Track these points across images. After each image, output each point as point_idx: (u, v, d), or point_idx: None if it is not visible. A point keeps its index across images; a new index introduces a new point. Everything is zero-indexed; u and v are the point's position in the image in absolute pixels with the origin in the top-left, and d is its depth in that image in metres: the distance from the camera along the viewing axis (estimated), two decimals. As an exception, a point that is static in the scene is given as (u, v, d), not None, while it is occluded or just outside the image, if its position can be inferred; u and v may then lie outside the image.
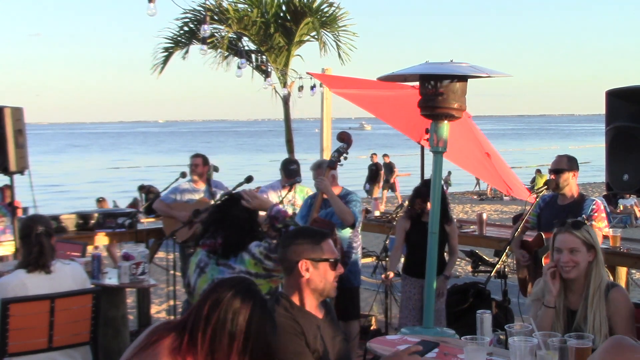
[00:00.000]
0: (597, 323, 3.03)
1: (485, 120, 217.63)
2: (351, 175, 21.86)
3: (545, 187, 4.90)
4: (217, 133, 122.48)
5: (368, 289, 8.20)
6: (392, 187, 21.97)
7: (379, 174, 21.24)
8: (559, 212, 4.80)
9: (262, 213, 3.58)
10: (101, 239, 6.85)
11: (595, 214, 4.78)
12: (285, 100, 9.97)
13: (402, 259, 5.71)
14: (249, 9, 9.58)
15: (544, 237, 4.69)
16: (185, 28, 9.68)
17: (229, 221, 3.46)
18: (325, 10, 9.41)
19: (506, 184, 6.61)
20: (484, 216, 6.55)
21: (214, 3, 9.27)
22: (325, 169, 5.17)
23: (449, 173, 25.20)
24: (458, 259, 6.96)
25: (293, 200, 6.08)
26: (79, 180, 34.80)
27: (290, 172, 6.24)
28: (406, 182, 23.79)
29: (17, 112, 5.46)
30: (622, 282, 5.37)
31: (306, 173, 6.09)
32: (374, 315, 6.59)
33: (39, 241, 3.96)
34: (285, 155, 8.82)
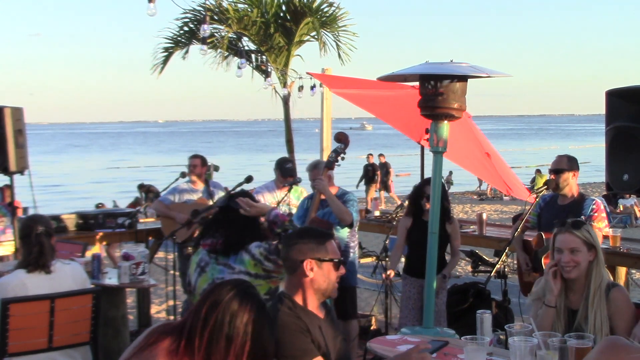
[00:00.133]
0: (598, 323, 3.03)
1: (485, 120, 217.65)
2: (349, 176, 21.85)
3: (545, 187, 4.91)
4: (217, 133, 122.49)
5: (368, 289, 8.20)
6: (387, 188, 21.65)
7: (376, 174, 21.06)
8: (559, 212, 4.80)
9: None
10: (101, 239, 6.85)
11: (595, 214, 4.78)
12: (285, 100, 9.98)
13: (403, 259, 5.71)
14: (249, 9, 9.58)
15: (544, 237, 4.69)
16: (185, 28, 9.68)
17: (230, 219, 3.48)
18: (325, 10, 9.42)
19: (506, 184, 6.60)
20: (484, 216, 6.55)
21: (214, 3, 9.27)
22: (321, 170, 5.17)
23: (451, 173, 25.21)
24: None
25: (288, 200, 6.09)
26: (79, 180, 34.80)
27: (286, 171, 6.24)
28: (406, 182, 23.81)
29: (17, 112, 5.46)
30: (622, 282, 5.37)
31: (301, 174, 6.09)
32: (374, 315, 6.59)
33: (39, 241, 3.96)
34: (286, 156, 8.82)
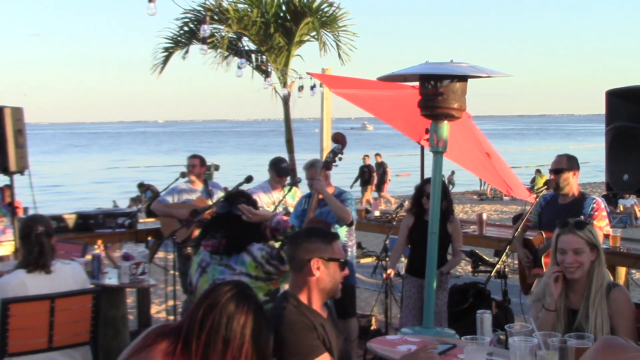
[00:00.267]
0: (599, 322, 3.03)
1: (485, 120, 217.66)
2: (347, 176, 21.78)
3: (545, 187, 4.91)
4: (218, 133, 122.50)
5: (368, 289, 8.20)
6: (381, 188, 21.21)
7: (372, 176, 20.67)
8: (559, 211, 4.80)
9: None
10: (101, 239, 6.84)
11: (596, 213, 4.78)
12: (285, 100, 9.97)
13: (403, 259, 5.71)
14: (249, 9, 9.57)
15: (544, 236, 4.69)
16: (185, 28, 9.68)
17: (232, 220, 3.48)
18: (325, 10, 9.41)
19: (506, 184, 6.61)
20: (484, 216, 6.55)
21: (214, 3, 9.27)
22: (318, 168, 5.17)
23: (453, 173, 25.21)
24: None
25: (284, 201, 6.10)
26: (79, 181, 34.80)
27: (281, 171, 6.25)
28: (406, 182, 23.79)
29: (17, 112, 5.46)
30: (622, 282, 5.37)
31: (301, 174, 6.08)
32: (374, 315, 6.59)
33: (39, 241, 3.96)
34: (286, 156, 8.82)
